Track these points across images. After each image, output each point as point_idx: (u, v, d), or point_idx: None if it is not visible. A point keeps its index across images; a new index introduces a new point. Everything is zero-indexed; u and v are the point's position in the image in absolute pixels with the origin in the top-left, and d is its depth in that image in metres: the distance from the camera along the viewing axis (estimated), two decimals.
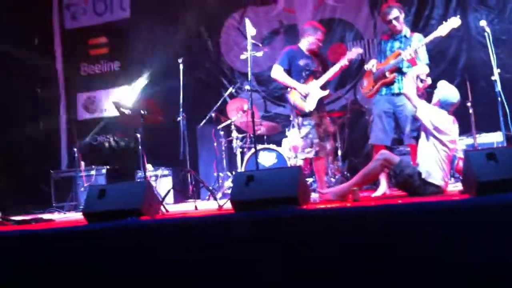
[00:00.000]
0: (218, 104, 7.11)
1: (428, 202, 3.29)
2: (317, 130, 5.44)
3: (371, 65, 5.48)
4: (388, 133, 5.31)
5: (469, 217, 2.95)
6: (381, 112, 5.36)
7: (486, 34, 4.95)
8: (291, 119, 6.26)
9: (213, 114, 7.40)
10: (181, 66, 5.80)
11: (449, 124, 4.47)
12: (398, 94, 5.26)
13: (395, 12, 5.32)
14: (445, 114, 4.48)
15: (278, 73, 5.58)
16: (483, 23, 5.03)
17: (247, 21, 5.40)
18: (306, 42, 5.61)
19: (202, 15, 8.94)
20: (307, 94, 5.42)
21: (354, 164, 7.25)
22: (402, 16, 5.38)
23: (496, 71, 4.77)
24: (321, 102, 5.51)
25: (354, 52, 5.47)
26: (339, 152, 7.30)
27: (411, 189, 4.42)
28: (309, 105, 5.42)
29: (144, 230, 3.62)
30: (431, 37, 4.98)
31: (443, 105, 4.51)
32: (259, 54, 5.58)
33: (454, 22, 4.90)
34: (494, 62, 4.80)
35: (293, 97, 5.52)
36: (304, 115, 5.49)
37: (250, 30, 5.31)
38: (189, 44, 8.63)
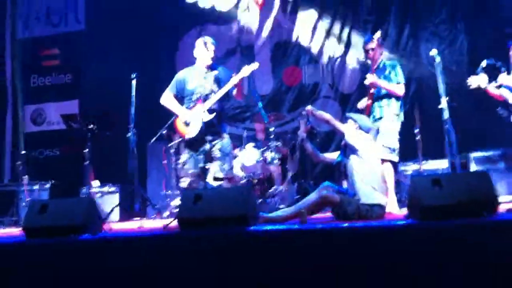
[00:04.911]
0: (170, 121, 7.02)
1: (373, 225, 3.31)
2: (196, 159, 5.27)
3: (363, 103, 5.83)
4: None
5: (412, 241, 2.98)
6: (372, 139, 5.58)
7: (436, 63, 5.06)
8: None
9: (164, 132, 7.30)
10: (134, 82, 5.70)
11: (373, 141, 4.86)
12: (380, 118, 5.59)
13: (370, 45, 5.70)
14: (367, 135, 4.87)
15: (164, 99, 5.49)
16: (433, 52, 5.16)
17: (199, 42, 5.41)
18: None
19: (158, 31, 8.91)
20: (187, 120, 5.28)
21: (304, 186, 7.26)
22: (377, 48, 5.69)
23: (444, 99, 4.88)
24: (208, 126, 5.24)
25: (248, 69, 5.32)
26: (289, 174, 7.31)
27: (361, 218, 4.47)
28: (191, 132, 5.26)
29: (85, 248, 3.53)
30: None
31: (363, 130, 4.87)
32: (214, 73, 5.49)
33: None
34: (442, 91, 4.91)
35: (177, 123, 5.40)
36: (185, 142, 5.38)
37: (203, 50, 5.31)
38: (143, 60, 8.53)
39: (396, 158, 5.54)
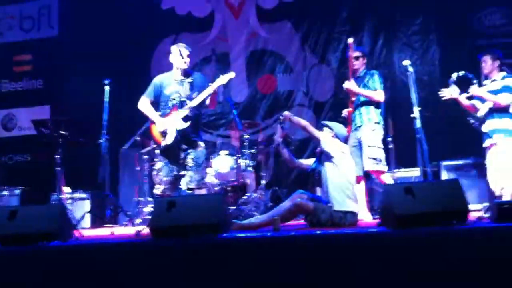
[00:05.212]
0: (143, 128, 6.97)
1: (345, 233, 3.32)
2: (170, 167, 5.25)
3: (345, 111, 5.90)
4: (360, 165, 5.59)
5: (383, 248, 3.00)
6: (351, 147, 5.67)
7: (408, 73, 5.12)
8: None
9: (137, 138, 7.23)
10: (107, 88, 5.63)
11: (347, 149, 4.97)
12: (360, 126, 5.67)
13: (355, 54, 5.85)
14: (342, 143, 4.97)
15: (141, 104, 5.43)
16: (406, 62, 5.23)
17: (173, 49, 5.38)
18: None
19: (133, 37, 8.84)
20: (164, 128, 5.23)
21: (278, 194, 7.27)
22: (361, 58, 5.88)
23: (417, 109, 4.94)
24: (183, 134, 5.19)
25: (225, 77, 5.27)
26: (263, 181, 7.30)
27: (334, 226, 4.49)
28: (166, 140, 5.23)
29: (56, 255, 3.49)
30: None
31: (339, 138, 5.00)
32: (189, 80, 5.44)
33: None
34: (414, 101, 4.97)
35: (153, 130, 5.34)
36: (161, 149, 5.33)
37: (178, 57, 5.29)
38: (117, 66, 8.45)
39: (384, 168, 5.56)
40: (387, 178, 5.55)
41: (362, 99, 5.74)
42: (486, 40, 7.67)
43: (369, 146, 5.54)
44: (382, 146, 5.63)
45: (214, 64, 8.84)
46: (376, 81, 5.71)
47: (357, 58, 5.86)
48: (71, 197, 7.43)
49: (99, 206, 6.52)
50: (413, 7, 8.13)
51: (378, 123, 5.67)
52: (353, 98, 5.79)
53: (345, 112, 5.91)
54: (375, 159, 5.50)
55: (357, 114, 5.76)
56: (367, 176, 5.72)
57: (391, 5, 8.18)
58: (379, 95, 5.66)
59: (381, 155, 5.56)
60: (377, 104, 5.71)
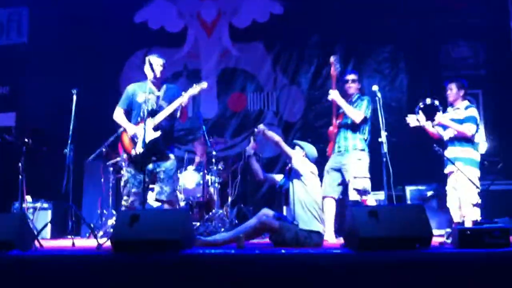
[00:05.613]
0: (110, 139, 6.88)
1: (309, 253, 3.33)
2: (138, 178, 5.07)
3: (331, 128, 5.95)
4: (334, 187, 5.69)
5: (347, 270, 3.01)
6: (329, 168, 5.76)
7: (377, 98, 5.18)
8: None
9: (103, 149, 7.13)
10: (74, 97, 5.53)
11: (316, 170, 4.98)
12: (345, 152, 5.69)
13: (352, 76, 6.00)
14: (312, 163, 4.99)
15: (116, 115, 5.32)
16: (375, 88, 5.29)
17: (146, 59, 5.32)
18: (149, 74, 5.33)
19: (104, 49, 8.75)
20: (134, 135, 5.11)
21: (243, 211, 7.25)
22: (357, 82, 5.99)
23: (384, 134, 4.99)
24: (154, 145, 5.05)
25: (197, 88, 5.21)
26: (229, 199, 7.28)
27: (298, 245, 4.49)
28: (136, 149, 5.09)
29: (15, 264, 3.43)
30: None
31: (309, 158, 5.01)
32: (162, 90, 5.37)
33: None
34: (382, 125, 5.03)
35: (124, 138, 5.22)
36: (130, 159, 5.20)
37: (149, 68, 5.25)
38: (87, 77, 8.34)
39: (368, 198, 5.55)
40: (371, 200, 5.58)
41: (349, 121, 5.75)
42: (453, 71, 7.87)
43: (354, 177, 5.52)
44: (368, 175, 5.60)
45: (184, 79, 8.82)
46: (363, 104, 5.74)
47: (353, 81, 5.93)
48: (33, 207, 7.26)
49: (61, 216, 6.36)
50: (383, 35, 8.31)
51: (363, 150, 5.67)
52: (338, 121, 5.83)
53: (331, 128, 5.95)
54: (359, 190, 5.50)
55: (342, 137, 5.77)
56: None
57: (362, 32, 8.31)
58: (357, 115, 5.66)
59: (367, 184, 5.55)
60: (362, 130, 5.72)
